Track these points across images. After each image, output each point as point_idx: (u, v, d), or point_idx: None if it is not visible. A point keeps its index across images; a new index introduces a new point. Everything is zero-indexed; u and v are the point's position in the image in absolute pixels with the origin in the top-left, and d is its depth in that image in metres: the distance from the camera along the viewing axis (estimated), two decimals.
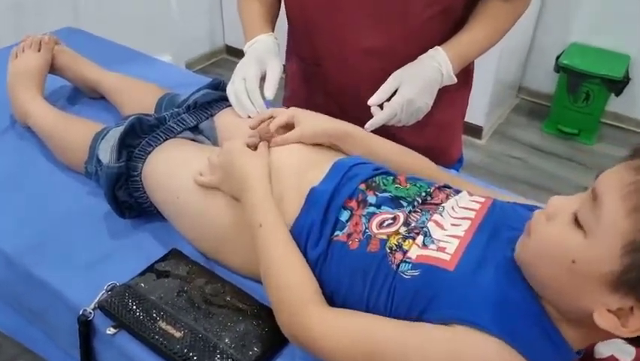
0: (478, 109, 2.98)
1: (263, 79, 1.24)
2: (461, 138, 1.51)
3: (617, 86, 3.01)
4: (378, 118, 1.16)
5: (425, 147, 1.25)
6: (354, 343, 0.80)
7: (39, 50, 1.53)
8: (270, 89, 1.21)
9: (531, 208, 0.95)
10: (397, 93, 1.16)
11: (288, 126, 1.11)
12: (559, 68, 3.10)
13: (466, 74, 1.34)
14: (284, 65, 1.33)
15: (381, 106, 1.17)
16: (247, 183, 0.97)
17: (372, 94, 1.20)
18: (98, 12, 2.86)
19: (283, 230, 0.93)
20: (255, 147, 1.06)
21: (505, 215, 0.92)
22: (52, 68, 1.59)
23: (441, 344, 0.76)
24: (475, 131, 3.13)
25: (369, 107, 1.20)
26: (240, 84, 1.23)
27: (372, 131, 1.16)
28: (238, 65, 1.26)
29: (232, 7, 2.99)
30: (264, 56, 1.25)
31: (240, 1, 1.37)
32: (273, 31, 1.33)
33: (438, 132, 1.27)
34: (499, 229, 0.88)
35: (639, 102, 3.24)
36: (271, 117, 1.12)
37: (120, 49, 1.95)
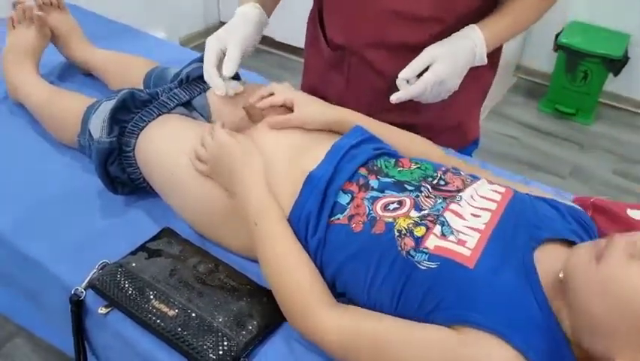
0: None
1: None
2: (479, 118, 1.45)
3: (616, 65, 2.99)
4: (407, 93, 1.11)
5: (444, 127, 1.22)
6: (358, 344, 0.80)
7: (34, 23, 1.49)
8: (229, 67, 1.13)
9: (551, 203, 0.91)
10: (430, 70, 1.11)
11: (284, 108, 1.08)
12: (558, 46, 3.07)
13: (495, 55, 1.29)
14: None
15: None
16: (241, 182, 0.95)
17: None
18: None
19: (280, 228, 0.91)
20: (241, 130, 1.04)
21: (525, 210, 0.88)
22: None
23: (450, 349, 0.74)
24: None
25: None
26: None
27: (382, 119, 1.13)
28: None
29: None
30: (228, 30, 1.18)
31: None
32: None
33: (459, 112, 1.24)
34: (519, 225, 0.85)
35: (637, 82, 3.22)
36: (271, 94, 1.09)
37: (113, 24, 1.92)
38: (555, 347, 0.75)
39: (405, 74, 1.11)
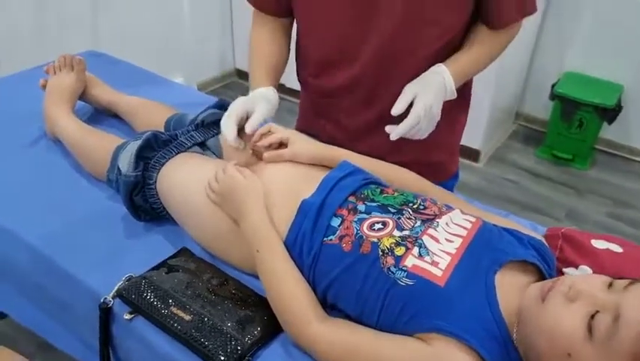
0: (476, 134, 3.11)
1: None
2: (458, 154, 1.58)
3: (610, 114, 3.11)
4: (404, 126, 1.18)
5: (426, 163, 1.36)
6: (347, 354, 0.94)
7: (72, 70, 1.67)
8: (249, 126, 1.20)
9: (513, 233, 1.06)
10: (416, 101, 1.19)
11: (281, 145, 1.23)
12: (554, 96, 3.20)
13: (464, 99, 1.44)
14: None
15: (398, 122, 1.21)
16: (245, 213, 1.10)
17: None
18: (116, 35, 3.03)
19: (279, 254, 1.05)
20: (247, 167, 1.18)
21: (492, 237, 1.03)
22: None
23: (425, 355, 0.89)
24: (473, 154, 3.24)
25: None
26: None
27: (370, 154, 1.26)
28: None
29: (242, 31, 3.07)
30: (255, 99, 1.26)
31: (250, 48, 1.40)
32: (275, 82, 1.35)
33: (440, 151, 1.39)
34: (485, 250, 1.00)
35: (632, 130, 3.35)
36: (269, 132, 1.23)
37: (137, 71, 2.10)
38: (507, 356, 0.90)
39: (397, 109, 1.19)
